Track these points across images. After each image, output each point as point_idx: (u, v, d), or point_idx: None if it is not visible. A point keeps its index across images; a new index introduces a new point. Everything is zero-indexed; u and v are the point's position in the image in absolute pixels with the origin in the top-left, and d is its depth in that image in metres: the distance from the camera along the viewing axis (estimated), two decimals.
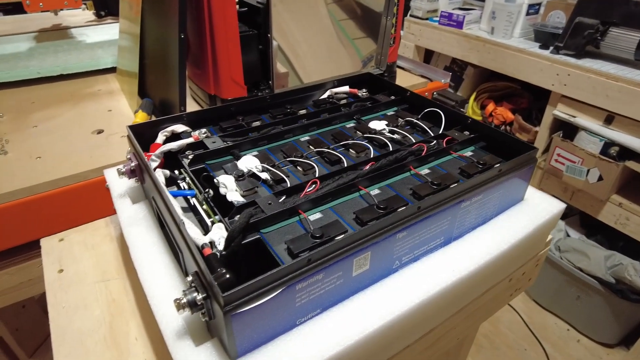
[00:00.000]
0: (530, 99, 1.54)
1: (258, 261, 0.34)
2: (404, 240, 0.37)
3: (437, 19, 1.58)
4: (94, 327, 0.42)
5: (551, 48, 1.28)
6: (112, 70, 1.01)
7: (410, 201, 0.39)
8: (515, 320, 1.50)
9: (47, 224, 0.65)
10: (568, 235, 1.44)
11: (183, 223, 0.33)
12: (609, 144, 1.18)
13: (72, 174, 0.64)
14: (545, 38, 1.31)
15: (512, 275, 0.52)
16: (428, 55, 1.75)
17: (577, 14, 1.18)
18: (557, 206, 0.49)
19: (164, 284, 0.37)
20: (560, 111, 1.27)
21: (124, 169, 0.45)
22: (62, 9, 1.12)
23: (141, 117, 0.75)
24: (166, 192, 0.37)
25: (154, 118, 0.80)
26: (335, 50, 0.82)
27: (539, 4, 1.38)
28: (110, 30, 1.20)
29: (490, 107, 1.54)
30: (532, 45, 1.33)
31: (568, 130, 1.30)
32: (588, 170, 1.22)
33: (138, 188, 0.50)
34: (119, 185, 0.49)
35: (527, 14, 1.36)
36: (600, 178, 1.21)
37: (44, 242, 0.54)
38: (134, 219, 0.44)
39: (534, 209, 0.48)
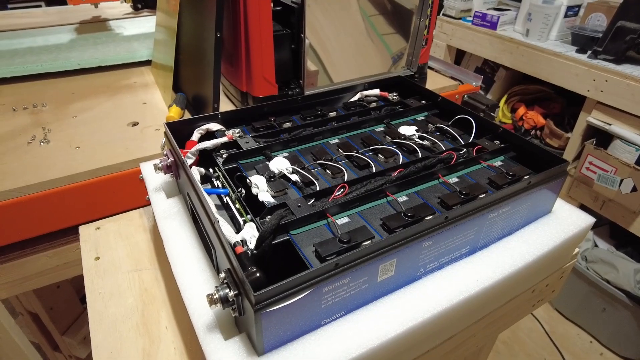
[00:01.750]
0: (563, 104, 1.50)
1: (286, 261, 0.36)
2: (430, 248, 0.38)
3: (471, 19, 1.55)
4: (127, 314, 0.44)
5: (589, 52, 1.24)
6: (147, 63, 1.05)
7: (438, 210, 0.40)
8: (535, 329, 1.48)
9: (83, 212, 0.69)
10: (596, 246, 1.40)
11: (218, 221, 0.35)
12: None
13: (108, 164, 0.67)
14: (583, 42, 1.27)
15: (535, 286, 0.51)
16: (459, 55, 1.73)
17: (619, 17, 1.14)
18: (586, 220, 0.48)
19: (196, 278, 0.39)
20: (595, 118, 1.23)
21: (160, 164, 0.47)
22: (101, 2, 1.16)
23: (175, 112, 0.77)
24: (202, 190, 0.38)
25: (186, 113, 0.82)
26: (365, 47, 0.82)
27: (579, 6, 1.33)
28: (146, 23, 1.24)
29: (521, 110, 1.50)
30: (568, 48, 1.30)
31: (601, 137, 1.26)
32: (621, 180, 1.19)
33: (172, 183, 0.52)
34: (154, 179, 0.52)
35: (566, 16, 1.32)
36: (634, 189, 1.17)
37: (82, 230, 0.57)
38: (168, 213, 0.46)
39: (562, 222, 0.48)
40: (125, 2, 1.34)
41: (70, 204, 0.67)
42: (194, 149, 0.47)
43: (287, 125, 0.54)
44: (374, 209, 0.40)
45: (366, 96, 0.61)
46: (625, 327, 1.33)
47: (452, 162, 0.46)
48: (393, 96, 0.61)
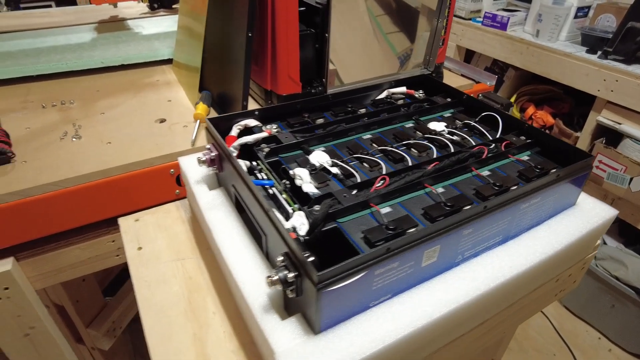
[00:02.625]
0: (572, 104, 1.52)
1: (334, 247, 0.38)
2: (469, 236, 0.40)
3: (480, 19, 1.57)
4: (174, 301, 0.47)
5: (599, 53, 1.26)
6: (168, 61, 1.07)
7: (475, 201, 0.42)
8: (545, 325, 1.50)
9: (115, 206, 0.71)
10: (605, 243, 1.42)
11: (271, 209, 0.37)
12: None
13: (140, 159, 0.69)
14: (592, 42, 1.29)
15: (559, 275, 0.54)
16: (468, 56, 1.75)
17: (629, 18, 1.16)
18: (609, 212, 0.50)
19: (248, 264, 0.41)
20: (605, 117, 1.25)
21: (204, 158, 0.50)
22: (121, 1, 1.18)
23: (202, 109, 0.79)
24: (251, 180, 0.41)
25: (212, 110, 0.84)
26: (371, 47, 0.83)
27: (589, 7, 1.36)
28: (164, 23, 1.26)
29: (531, 110, 1.53)
30: (578, 49, 1.32)
31: (611, 137, 1.28)
32: (631, 179, 1.21)
33: (212, 176, 0.54)
34: (195, 172, 0.54)
35: (575, 16, 1.34)
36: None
37: (122, 222, 0.59)
38: (212, 204, 0.48)
39: (586, 214, 0.50)
40: (142, 1, 1.36)
41: (103, 198, 0.69)
42: (236, 143, 0.49)
43: (320, 121, 0.56)
44: (413, 199, 0.43)
45: (393, 94, 0.63)
46: (633, 323, 1.35)
47: (483, 156, 0.48)
48: (419, 94, 0.64)
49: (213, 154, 0.49)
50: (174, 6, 1.42)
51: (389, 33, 0.84)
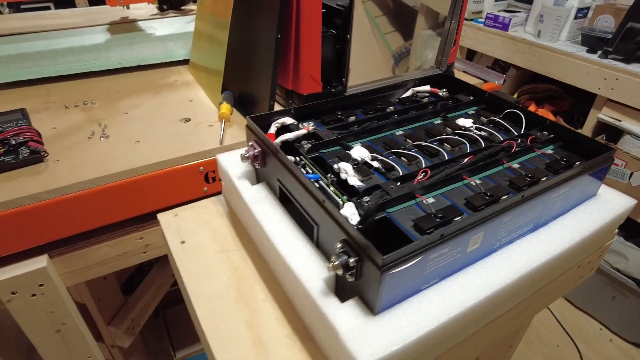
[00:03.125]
0: (572, 102, 1.56)
1: (386, 235, 0.40)
2: (507, 224, 0.43)
3: (482, 20, 1.61)
4: (223, 291, 0.49)
5: (599, 52, 1.30)
6: (183, 62, 1.09)
7: (511, 191, 0.45)
8: (548, 317, 1.55)
9: (146, 203, 0.73)
10: None
11: (326, 200, 0.40)
12: None
13: (170, 158, 0.71)
14: (592, 42, 1.34)
15: (581, 262, 0.57)
16: (470, 55, 1.79)
17: (629, 19, 1.21)
18: (629, 202, 0.54)
19: (300, 253, 0.43)
20: (606, 115, 1.30)
21: (247, 154, 0.52)
22: (135, 2, 1.20)
23: (226, 108, 0.81)
24: (302, 173, 0.43)
25: (234, 110, 0.86)
26: (370, 47, 0.85)
27: (588, 8, 1.40)
28: (174, 24, 1.28)
29: (532, 108, 1.57)
30: (578, 49, 1.36)
31: (611, 133, 1.33)
32: (631, 174, 1.25)
33: (251, 172, 0.56)
34: (235, 169, 0.56)
35: (575, 17, 1.39)
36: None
37: (161, 217, 0.61)
38: (257, 198, 0.51)
39: (608, 203, 0.53)
40: (151, 3, 1.38)
41: (134, 196, 0.71)
42: (278, 140, 0.51)
43: (352, 119, 0.59)
44: (453, 191, 0.45)
45: (418, 92, 0.66)
46: (634, 314, 1.39)
47: (512, 150, 0.51)
48: (443, 92, 0.66)
49: (256, 150, 0.52)
50: (182, 8, 1.44)
51: (386, 33, 0.85)
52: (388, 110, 0.61)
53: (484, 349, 0.54)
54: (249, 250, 0.54)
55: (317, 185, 0.46)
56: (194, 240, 0.56)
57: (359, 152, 0.50)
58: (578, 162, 0.50)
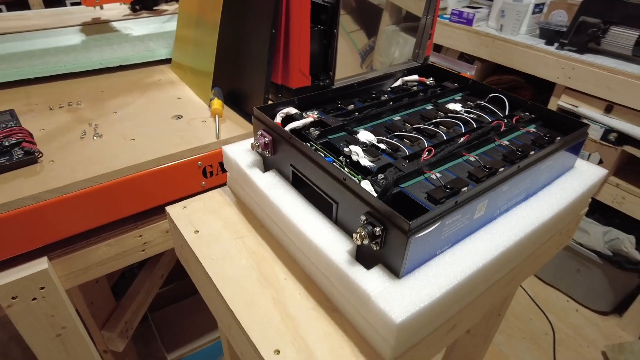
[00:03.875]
0: (533, 91, 1.67)
1: (402, 207, 0.44)
2: (505, 193, 0.48)
3: (447, 16, 1.69)
4: (245, 273, 0.51)
5: (556, 44, 1.41)
6: (165, 61, 1.09)
7: (506, 164, 0.50)
8: (521, 294, 1.65)
9: (146, 200, 0.73)
10: None
11: (348, 176, 0.43)
12: (608, 130, 1.32)
13: (170, 153, 0.72)
14: (549, 35, 1.44)
15: (562, 228, 0.63)
16: (436, 50, 1.87)
17: (580, 13, 1.31)
18: (601, 172, 0.61)
19: (321, 230, 0.46)
20: (564, 102, 1.40)
21: (258, 143, 0.54)
22: (111, 2, 1.18)
23: (218, 104, 0.83)
24: (319, 154, 0.46)
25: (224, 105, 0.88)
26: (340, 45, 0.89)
27: (543, 4, 1.51)
28: (151, 24, 1.27)
29: None
30: (537, 41, 1.47)
31: None
32: (589, 155, 1.36)
33: (260, 161, 0.58)
34: (243, 158, 0.58)
35: (533, 12, 1.49)
36: (600, 161, 1.35)
37: (170, 210, 0.62)
38: (271, 184, 0.53)
39: (584, 174, 0.60)
40: (125, 3, 1.36)
41: (135, 193, 0.72)
42: (287, 128, 0.54)
43: (351, 107, 0.62)
44: (455, 166, 0.50)
45: (407, 81, 0.71)
46: (597, 284, 1.51)
47: (501, 129, 0.56)
48: (430, 80, 0.71)
49: (266, 138, 0.54)
50: (155, 8, 1.42)
51: (351, 32, 0.88)
52: (383, 98, 0.65)
53: (485, 312, 0.59)
54: (262, 235, 0.56)
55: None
56: (207, 229, 0.58)
57: (365, 135, 0.53)
58: (559, 138, 0.56)
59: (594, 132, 1.35)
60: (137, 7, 1.37)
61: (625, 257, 1.39)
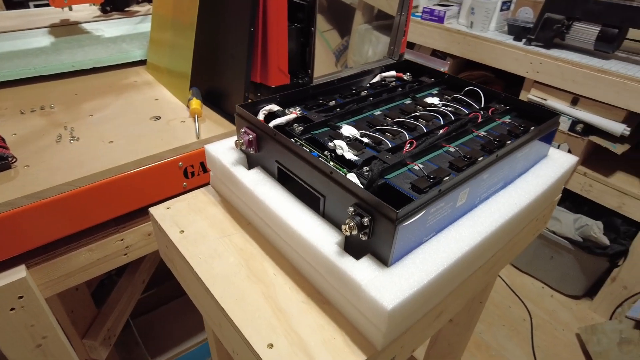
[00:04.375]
0: (503, 86, 1.73)
1: (388, 198, 0.45)
2: (485, 181, 0.50)
3: (419, 14, 1.73)
4: (234, 270, 0.51)
5: (524, 40, 1.46)
6: (140, 63, 1.07)
7: (484, 154, 0.52)
8: (499, 283, 1.70)
9: (128, 202, 0.72)
10: None
11: (335, 169, 0.44)
12: (575, 121, 1.38)
13: (152, 154, 0.71)
14: (517, 31, 1.49)
15: (538, 215, 0.66)
16: (409, 47, 1.90)
17: (545, 10, 1.36)
18: (573, 159, 0.64)
19: (309, 224, 0.47)
20: (533, 95, 1.45)
21: (242, 141, 0.55)
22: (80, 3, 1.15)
23: (197, 103, 0.83)
24: (305, 149, 0.47)
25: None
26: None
27: (510, 1, 1.56)
28: (124, 25, 1.24)
29: None
30: (506, 37, 1.51)
31: None
32: (558, 145, 1.42)
33: (243, 159, 0.59)
34: (227, 157, 0.58)
35: (501, 9, 1.54)
36: (569, 151, 1.40)
37: (154, 210, 0.61)
38: (256, 181, 0.54)
39: (557, 162, 0.63)
40: (93, 5, 1.33)
41: (115, 195, 0.71)
42: (271, 125, 0.55)
43: (333, 103, 0.63)
44: (436, 157, 0.52)
45: (385, 77, 0.72)
46: (569, 270, 1.58)
47: (478, 121, 0.58)
48: (407, 76, 0.73)
49: (250, 136, 0.54)
50: (126, 9, 1.40)
51: (324, 31, 0.89)
52: (363, 94, 0.67)
53: (468, 298, 0.61)
54: (250, 233, 0.57)
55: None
56: (193, 228, 0.57)
57: (348, 130, 0.54)
58: (533, 127, 0.59)
59: (562, 124, 1.40)
60: (108, 9, 1.34)
61: (594, 242, 1.45)
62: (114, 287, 1.11)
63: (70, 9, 1.19)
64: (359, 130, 0.55)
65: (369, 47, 1.03)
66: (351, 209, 0.42)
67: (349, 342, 0.43)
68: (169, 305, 1.35)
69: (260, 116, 0.58)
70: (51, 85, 0.95)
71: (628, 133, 1.29)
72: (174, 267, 0.60)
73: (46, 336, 0.72)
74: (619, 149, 1.32)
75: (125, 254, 0.77)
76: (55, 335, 0.73)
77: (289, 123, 0.56)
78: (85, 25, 1.23)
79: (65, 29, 1.20)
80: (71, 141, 0.74)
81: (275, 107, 0.60)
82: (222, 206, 0.61)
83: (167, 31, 0.94)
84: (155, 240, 0.70)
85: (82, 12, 1.35)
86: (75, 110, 0.85)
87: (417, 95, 0.68)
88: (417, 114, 0.61)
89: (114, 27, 1.22)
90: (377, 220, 0.40)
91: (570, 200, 1.58)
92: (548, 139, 0.62)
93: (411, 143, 0.51)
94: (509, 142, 0.54)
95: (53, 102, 0.87)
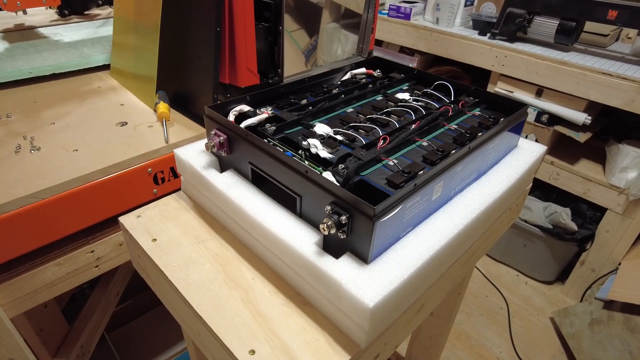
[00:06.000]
0: (471, 80, 1.76)
1: (364, 195, 0.45)
2: (459, 173, 0.50)
3: (386, 11, 1.74)
4: (211, 276, 0.50)
5: (488, 35, 1.49)
6: (103, 67, 1.03)
7: (457, 147, 0.52)
8: (475, 274, 1.73)
9: (96, 212, 0.69)
10: None
11: (310, 169, 0.43)
12: (540, 112, 1.42)
13: (118, 161, 0.69)
14: (482, 26, 1.53)
15: (511, 204, 0.67)
16: (377, 45, 1.92)
17: (507, 5, 1.40)
18: (542, 148, 0.65)
19: (287, 225, 0.46)
20: (500, 88, 1.49)
21: (212, 143, 0.53)
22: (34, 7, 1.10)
23: (165, 107, 0.80)
24: (280, 150, 0.46)
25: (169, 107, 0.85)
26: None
27: None
28: (84, 29, 1.20)
29: None
30: (471, 32, 1.55)
31: None
32: (526, 136, 1.46)
33: (215, 162, 0.57)
34: (197, 160, 0.56)
35: (465, 5, 1.57)
36: (536, 141, 1.45)
37: (124, 219, 0.59)
38: (229, 184, 0.52)
39: (527, 152, 0.64)
40: (50, 8, 1.27)
41: (82, 206, 0.68)
42: (242, 125, 0.53)
43: (304, 101, 0.62)
44: (410, 152, 0.52)
45: (356, 74, 0.72)
46: (541, 256, 1.63)
47: (449, 114, 0.59)
48: (377, 72, 0.73)
49: (221, 137, 0.53)
50: (86, 12, 1.35)
51: (292, 31, 0.88)
52: (334, 91, 0.66)
53: (448, 291, 0.62)
54: (225, 238, 0.55)
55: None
56: (166, 236, 0.55)
57: (322, 128, 0.54)
58: (502, 119, 0.60)
59: (529, 115, 1.44)
60: (66, 12, 1.29)
61: (563, 228, 1.50)
62: (86, 302, 1.06)
63: (25, 12, 1.13)
64: (332, 128, 0.55)
65: (338, 46, 1.03)
66: (328, 207, 0.41)
67: (332, 343, 0.43)
68: (146, 316, 1.31)
69: (231, 117, 0.57)
70: (7, 93, 0.90)
71: (589, 122, 1.34)
72: (148, 277, 0.58)
73: (12, 358, 0.68)
74: (582, 137, 1.37)
75: (97, 266, 0.74)
76: (23, 357, 0.70)
77: (261, 123, 0.55)
78: (42, 30, 1.18)
79: (20, 34, 1.14)
80: (32, 151, 0.71)
81: (245, 108, 0.58)
82: (195, 212, 0.60)
83: (131, 34, 0.91)
84: (127, 250, 0.67)
85: (38, 16, 1.29)
86: (35, 119, 0.81)
87: (388, 92, 0.68)
88: (388, 109, 0.61)
89: (73, 31, 1.17)
90: (355, 218, 0.40)
91: (540, 189, 1.63)
92: (517, 130, 0.63)
93: (385, 139, 0.51)
94: (480, 133, 0.55)
95: (9, 111, 0.83)
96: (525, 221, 1.58)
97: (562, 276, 1.70)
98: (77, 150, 0.71)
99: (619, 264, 1.43)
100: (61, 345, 0.94)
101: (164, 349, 1.22)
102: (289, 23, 0.86)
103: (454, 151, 0.51)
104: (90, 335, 0.99)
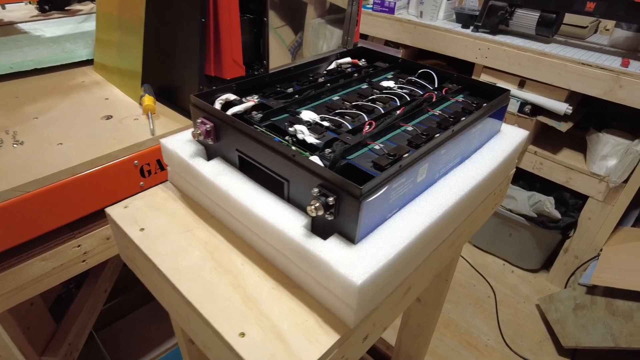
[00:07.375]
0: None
1: (352, 178, 0.46)
2: (443, 156, 0.51)
3: (370, 6, 1.75)
4: (200, 263, 0.50)
5: (471, 27, 1.51)
6: (86, 62, 1.02)
7: (441, 131, 0.53)
8: (462, 264, 1.76)
9: (83, 205, 0.69)
10: None
11: (297, 152, 0.43)
12: (523, 103, 1.44)
13: (105, 153, 0.68)
14: (465, 19, 1.55)
15: (495, 189, 0.69)
16: (362, 39, 1.93)
17: None
18: (523, 133, 0.67)
19: (275, 209, 0.47)
20: (484, 79, 1.51)
21: (199, 131, 0.53)
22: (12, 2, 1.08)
23: (150, 100, 0.80)
24: (268, 134, 0.46)
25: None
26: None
27: None
28: (66, 24, 1.18)
29: None
30: (455, 25, 1.56)
31: None
32: None
33: (201, 150, 0.57)
34: (184, 150, 0.56)
35: None
36: None
37: (110, 210, 0.58)
38: (217, 172, 0.52)
39: (509, 136, 0.65)
40: (30, 3, 1.25)
41: (68, 199, 0.67)
42: (229, 112, 0.53)
43: (290, 90, 0.63)
44: (395, 136, 0.52)
45: (341, 64, 0.73)
46: (526, 245, 1.66)
47: (433, 100, 0.60)
48: (362, 62, 0.74)
49: (208, 126, 0.53)
50: (67, 8, 1.33)
51: (277, 28, 0.87)
52: (320, 80, 0.67)
53: (434, 274, 0.63)
54: (213, 225, 0.55)
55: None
56: (154, 225, 0.55)
57: (308, 115, 0.54)
58: (485, 104, 0.61)
59: (511, 106, 1.47)
60: (47, 7, 1.27)
61: (547, 217, 1.53)
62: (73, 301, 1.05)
63: (4, 7, 1.11)
64: (318, 115, 0.55)
65: (323, 42, 1.03)
66: (316, 189, 0.42)
67: (321, 323, 0.43)
68: (135, 314, 1.30)
69: (217, 106, 0.57)
70: None
71: (570, 112, 1.37)
72: (136, 267, 0.58)
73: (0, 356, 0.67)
74: (563, 127, 1.40)
75: (84, 261, 0.74)
76: (9, 355, 0.69)
77: (247, 111, 0.55)
78: (22, 25, 1.16)
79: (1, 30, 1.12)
80: (15, 145, 0.70)
81: (232, 96, 0.58)
82: (182, 201, 0.60)
83: (114, 29, 0.90)
84: (115, 243, 0.67)
85: (18, 12, 1.27)
86: (16, 114, 0.80)
87: (373, 80, 0.69)
88: (374, 97, 0.61)
89: (54, 27, 1.16)
90: (342, 199, 0.41)
91: (524, 178, 1.66)
92: (500, 115, 0.64)
93: (370, 124, 0.52)
94: (463, 118, 0.56)
95: None
96: (511, 211, 1.61)
97: (547, 264, 1.73)
98: (61, 143, 0.71)
99: (601, 249, 1.47)
100: (48, 344, 0.93)
101: (154, 346, 1.21)
102: (274, 19, 0.86)
103: (437, 135, 0.52)
104: (78, 334, 0.98)
